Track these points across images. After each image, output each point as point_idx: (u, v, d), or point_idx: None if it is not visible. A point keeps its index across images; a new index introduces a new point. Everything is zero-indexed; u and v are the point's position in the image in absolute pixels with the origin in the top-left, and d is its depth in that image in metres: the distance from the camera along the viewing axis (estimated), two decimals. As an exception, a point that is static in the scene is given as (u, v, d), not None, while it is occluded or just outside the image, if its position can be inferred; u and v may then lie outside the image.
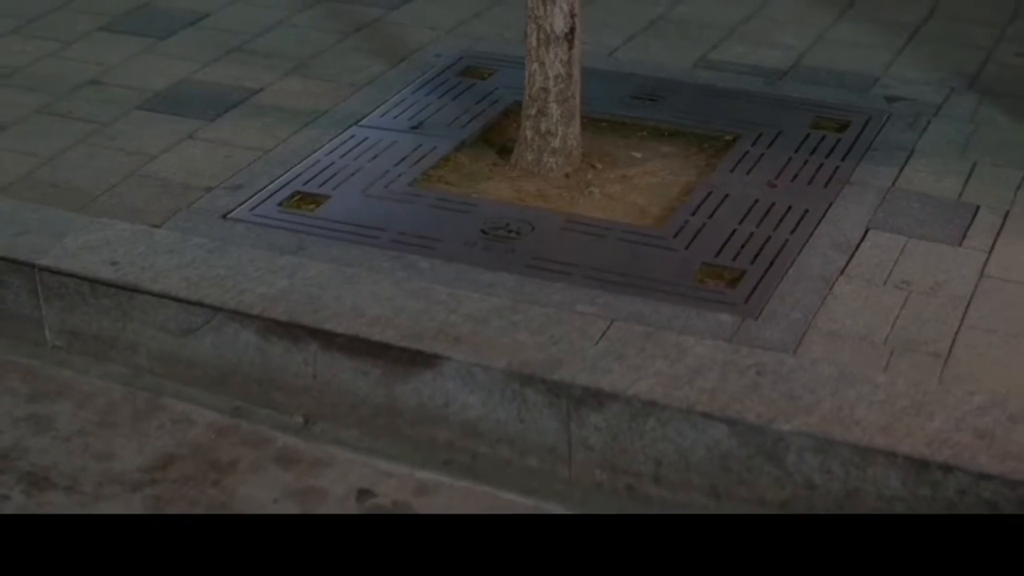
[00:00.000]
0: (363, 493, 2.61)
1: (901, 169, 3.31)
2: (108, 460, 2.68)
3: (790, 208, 3.13)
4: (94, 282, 2.90)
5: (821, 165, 3.32)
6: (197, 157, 3.38)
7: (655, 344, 2.66)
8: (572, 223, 3.09)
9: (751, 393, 2.53)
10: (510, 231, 3.05)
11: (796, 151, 3.39)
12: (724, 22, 4.17)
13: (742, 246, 2.98)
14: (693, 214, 3.10)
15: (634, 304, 2.78)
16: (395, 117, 3.57)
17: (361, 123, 3.54)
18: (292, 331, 2.76)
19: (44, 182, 3.26)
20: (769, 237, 3.02)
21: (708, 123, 3.53)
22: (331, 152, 3.39)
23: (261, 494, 2.60)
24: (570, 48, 3.25)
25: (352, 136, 3.47)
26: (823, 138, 3.45)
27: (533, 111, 3.30)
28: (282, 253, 2.97)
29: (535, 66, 3.27)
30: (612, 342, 2.67)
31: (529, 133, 3.31)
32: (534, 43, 3.25)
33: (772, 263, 2.92)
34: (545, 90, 3.27)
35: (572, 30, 3.24)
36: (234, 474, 2.65)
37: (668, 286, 2.84)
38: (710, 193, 3.19)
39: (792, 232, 3.04)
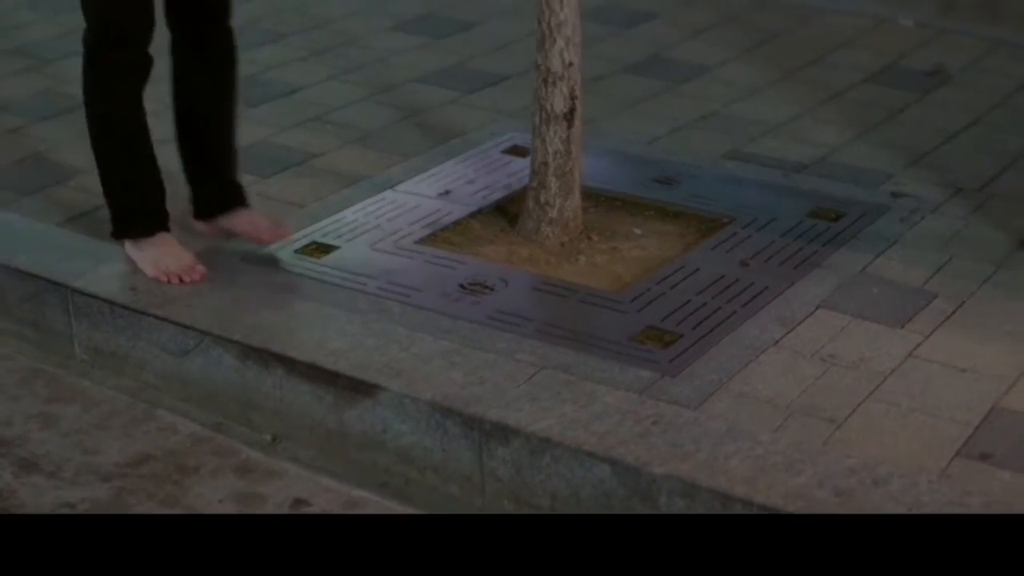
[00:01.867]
0: (298, 502, 2.93)
1: (876, 257, 3.48)
2: (92, 455, 3.07)
3: (751, 285, 3.34)
4: (113, 304, 3.32)
5: (800, 249, 3.52)
6: (241, 207, 3.80)
7: (571, 391, 2.91)
8: (545, 284, 3.37)
9: (639, 439, 2.75)
10: (485, 286, 3.34)
11: (783, 235, 3.59)
12: (772, 119, 4.40)
13: (690, 314, 3.21)
14: (657, 283, 3.34)
15: (568, 356, 3.04)
16: (428, 184, 3.92)
17: (396, 187, 3.90)
18: (264, 356, 3.11)
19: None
20: (719, 308, 3.23)
21: (712, 206, 3.76)
22: (358, 211, 3.76)
23: (210, 495, 2.94)
24: (569, 127, 3.54)
25: (383, 198, 3.83)
26: (814, 226, 3.65)
27: (535, 183, 3.60)
28: (277, 291, 3.34)
29: (537, 142, 3.58)
30: (534, 386, 2.93)
31: (531, 203, 3.61)
32: (537, 121, 3.56)
33: (712, 331, 3.14)
34: (545, 164, 3.57)
35: (572, 111, 3.53)
36: (194, 476, 3.01)
37: (607, 343, 3.09)
38: (683, 267, 3.43)
39: (744, 305, 3.25)
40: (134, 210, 3.47)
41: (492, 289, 3.33)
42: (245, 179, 3.93)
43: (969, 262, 3.46)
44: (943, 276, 3.39)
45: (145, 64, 3.37)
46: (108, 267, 3.45)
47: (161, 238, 3.44)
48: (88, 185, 3.94)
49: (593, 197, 3.80)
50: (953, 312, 3.23)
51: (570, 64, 3.49)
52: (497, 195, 3.85)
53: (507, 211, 3.77)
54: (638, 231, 3.68)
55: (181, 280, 3.37)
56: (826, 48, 5.08)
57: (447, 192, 3.87)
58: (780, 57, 4.98)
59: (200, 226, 3.60)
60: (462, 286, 3.34)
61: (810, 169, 4.03)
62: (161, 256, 3.41)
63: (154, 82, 3.42)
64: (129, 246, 3.47)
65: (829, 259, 3.48)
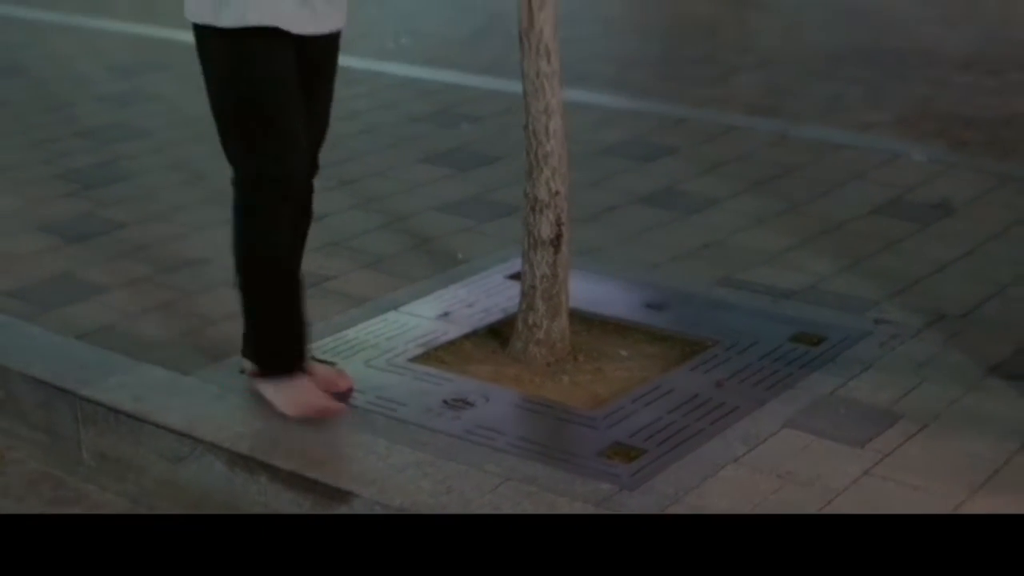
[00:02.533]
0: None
1: (848, 380, 3.59)
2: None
3: (722, 404, 3.47)
4: (118, 412, 3.53)
5: (776, 371, 3.65)
6: (250, 325, 4.00)
7: (531, 500, 3.05)
8: (525, 402, 3.53)
9: (590, 546, 2.88)
10: (467, 402, 3.50)
11: (762, 358, 3.72)
12: (770, 248, 4.55)
13: (659, 431, 3.34)
14: (632, 402, 3.49)
15: (535, 469, 3.18)
16: (430, 306, 4.11)
17: (399, 309, 4.09)
18: (250, 464, 3.29)
19: (127, 333, 3.95)
20: (687, 426, 3.36)
21: (698, 330, 3.91)
22: (359, 330, 3.95)
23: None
24: (556, 252, 3.72)
25: (385, 319, 4.03)
26: (795, 349, 3.77)
27: (524, 306, 3.77)
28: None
29: (526, 267, 3.76)
30: (497, 495, 3.07)
31: (520, 325, 3.78)
32: (526, 247, 3.75)
33: (676, 447, 3.26)
34: (533, 287, 3.75)
35: (558, 237, 3.71)
36: (178, 576, 3.17)
37: (574, 458, 3.23)
38: (659, 387, 3.57)
39: (712, 424, 3.37)
40: (281, 350, 3.48)
41: (473, 405, 3.49)
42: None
43: (939, 385, 3.56)
44: (911, 398, 3.50)
45: (305, 206, 3.46)
46: (117, 377, 3.66)
47: (300, 377, 3.49)
48: (110, 302, 4.18)
49: (586, 320, 3.97)
50: (915, 433, 3.33)
51: (556, 193, 3.68)
52: (493, 318, 4.02)
53: (500, 333, 3.94)
54: (624, 353, 3.83)
55: (322, 416, 3.43)
56: (836, 182, 5.24)
57: (446, 314, 4.05)
58: (790, 190, 5.15)
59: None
60: (445, 402, 3.51)
61: (799, 296, 4.17)
62: (301, 394, 3.45)
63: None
64: (263, 384, 3.49)
65: (803, 381, 3.60)
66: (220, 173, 5.79)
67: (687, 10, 8.78)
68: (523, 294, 3.78)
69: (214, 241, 4.60)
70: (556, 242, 3.72)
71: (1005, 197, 5.04)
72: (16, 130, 6.08)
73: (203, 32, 3.30)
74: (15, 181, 5.37)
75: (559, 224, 3.72)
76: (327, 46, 3.43)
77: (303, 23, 3.30)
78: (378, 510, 3.07)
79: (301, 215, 3.48)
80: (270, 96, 3.27)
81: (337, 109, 3.60)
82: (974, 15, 8.51)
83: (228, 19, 3.22)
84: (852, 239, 4.64)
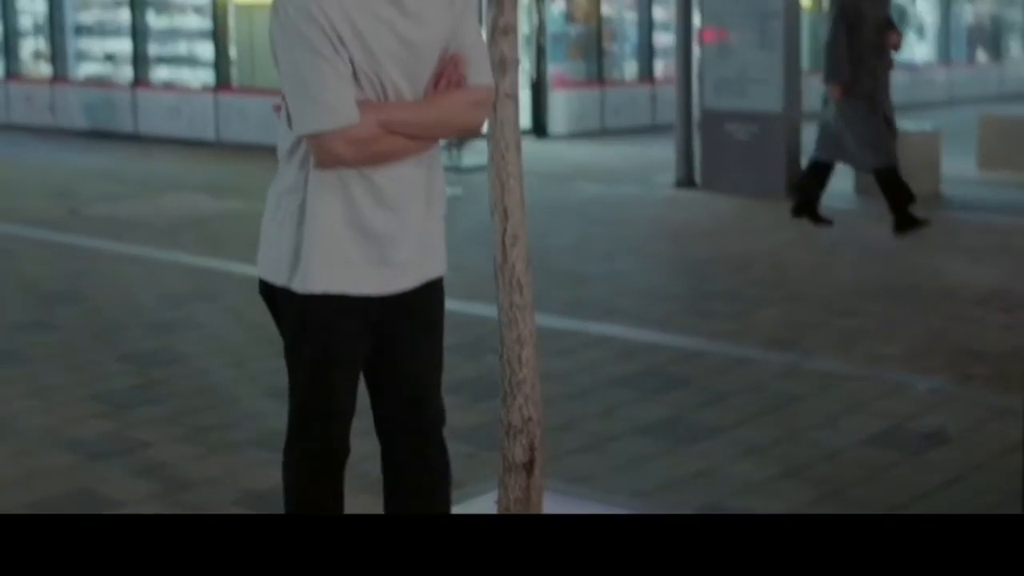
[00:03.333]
0: None
1: None
2: None
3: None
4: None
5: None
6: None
7: None
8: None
9: None
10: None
11: None
12: (759, 478, 4.69)
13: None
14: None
15: None
16: (418, 527, 4.27)
17: (388, 529, 4.27)
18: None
19: None
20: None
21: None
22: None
23: None
24: (529, 476, 3.90)
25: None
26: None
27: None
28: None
29: (501, 491, 3.93)
30: None
31: (495, 545, 3.94)
32: (501, 470, 3.93)
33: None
34: (507, 511, 3.91)
35: (531, 462, 3.89)
36: None
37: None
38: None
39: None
40: None
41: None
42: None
43: None
44: None
45: (339, 459, 3.37)
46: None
47: None
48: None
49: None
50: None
51: (529, 419, 3.88)
52: None
53: None
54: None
55: None
56: (837, 412, 5.39)
57: (432, 534, 4.22)
58: (790, 420, 5.30)
59: None
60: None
61: (775, 523, 4.29)
62: None
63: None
64: None
65: None
66: (245, 399, 6.06)
67: (725, 247, 9.07)
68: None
69: (229, 464, 4.85)
70: (529, 466, 3.91)
71: (1000, 429, 5.14)
72: (63, 354, 6.44)
73: (274, 290, 3.26)
74: (52, 402, 5.69)
75: (532, 449, 3.91)
76: (422, 296, 3.32)
77: (379, 284, 3.22)
78: None
79: (425, 470, 3.39)
80: (320, 375, 3.26)
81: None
82: (998, 255, 8.71)
83: (299, 283, 3.18)
84: (840, 468, 4.77)
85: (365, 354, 3.29)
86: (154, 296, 7.67)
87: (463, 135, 3.45)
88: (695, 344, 6.48)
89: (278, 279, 3.22)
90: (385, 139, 3.14)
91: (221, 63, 14.76)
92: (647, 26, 16.54)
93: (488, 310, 7.32)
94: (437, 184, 3.33)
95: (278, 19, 3.14)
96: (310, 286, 3.17)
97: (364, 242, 3.19)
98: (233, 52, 14.70)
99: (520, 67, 3.91)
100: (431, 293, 3.35)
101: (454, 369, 6.35)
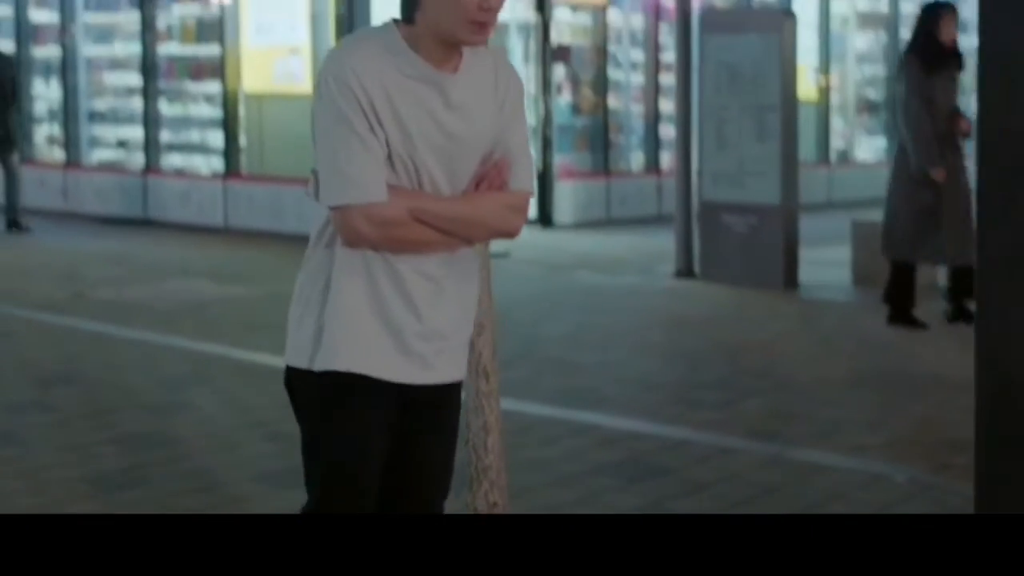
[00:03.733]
0: None
1: None
2: None
3: None
4: None
5: None
6: None
7: None
8: None
9: None
10: None
11: None
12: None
13: None
14: None
15: None
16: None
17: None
18: None
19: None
20: None
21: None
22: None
23: None
24: (495, 560, 3.97)
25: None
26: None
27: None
28: None
29: None
30: None
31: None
32: (468, 554, 4.00)
33: None
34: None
35: None
36: None
37: None
38: None
39: None
40: None
41: None
42: None
43: None
44: None
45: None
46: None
47: None
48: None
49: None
50: None
51: (495, 504, 3.96)
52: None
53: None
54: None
55: None
56: (814, 503, 5.44)
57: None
58: (767, 511, 5.34)
59: None
60: None
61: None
62: None
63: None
64: None
65: None
66: (232, 483, 6.07)
67: (719, 337, 9.14)
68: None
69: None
70: (496, 550, 3.97)
71: (973, 520, 5.19)
72: (57, 435, 6.53)
73: (296, 375, 3.21)
74: (41, 482, 5.76)
75: (499, 533, 3.97)
76: (441, 396, 3.28)
77: (400, 372, 3.18)
78: None
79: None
80: (341, 463, 3.17)
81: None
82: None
83: (320, 362, 3.14)
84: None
85: (384, 448, 3.22)
86: (151, 379, 7.75)
87: (497, 238, 3.35)
88: (680, 433, 6.54)
89: (300, 362, 3.18)
90: (412, 226, 3.10)
91: (231, 151, 14.97)
92: (653, 118, 16.74)
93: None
94: (467, 287, 3.27)
95: (317, 90, 3.12)
96: (332, 363, 3.14)
97: (386, 329, 3.16)
98: (243, 140, 14.90)
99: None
100: (450, 395, 3.32)
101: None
